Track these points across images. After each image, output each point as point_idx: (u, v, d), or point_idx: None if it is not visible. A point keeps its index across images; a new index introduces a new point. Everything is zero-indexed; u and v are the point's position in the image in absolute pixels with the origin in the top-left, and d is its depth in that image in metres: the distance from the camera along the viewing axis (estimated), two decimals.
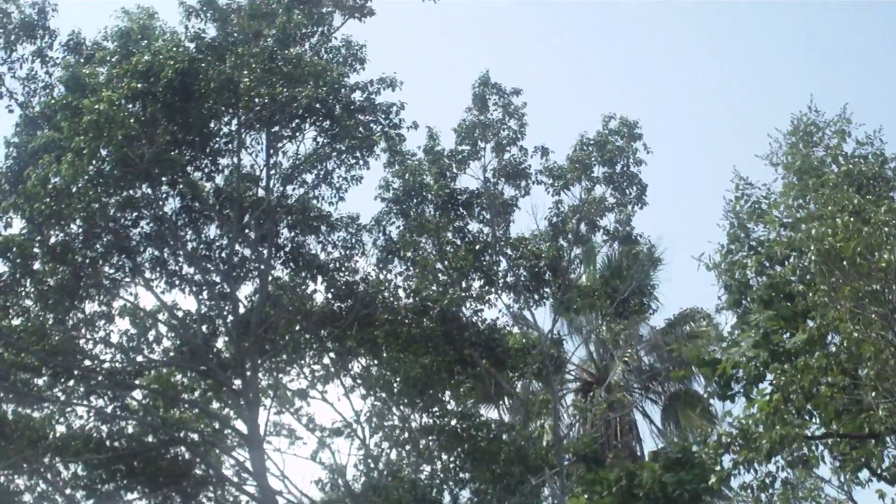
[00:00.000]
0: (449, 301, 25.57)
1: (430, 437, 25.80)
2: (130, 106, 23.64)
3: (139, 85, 23.45)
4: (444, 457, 25.02)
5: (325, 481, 25.54)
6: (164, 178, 24.99)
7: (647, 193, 26.19)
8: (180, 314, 26.81)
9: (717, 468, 17.79)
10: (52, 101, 24.33)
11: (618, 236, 26.45)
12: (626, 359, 31.52)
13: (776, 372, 15.95)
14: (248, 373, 25.50)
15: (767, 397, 17.35)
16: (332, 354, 27.44)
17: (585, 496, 20.10)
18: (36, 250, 24.67)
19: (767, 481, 16.38)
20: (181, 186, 25.77)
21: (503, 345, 26.15)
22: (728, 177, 19.37)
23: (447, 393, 26.87)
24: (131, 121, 23.20)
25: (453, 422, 24.84)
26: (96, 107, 22.81)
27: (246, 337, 25.39)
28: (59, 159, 23.05)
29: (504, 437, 24.53)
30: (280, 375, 28.26)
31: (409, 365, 24.09)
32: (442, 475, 24.58)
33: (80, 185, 23.06)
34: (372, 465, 24.23)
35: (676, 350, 28.09)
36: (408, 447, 25.50)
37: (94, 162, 23.22)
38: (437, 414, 25.57)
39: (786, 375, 15.62)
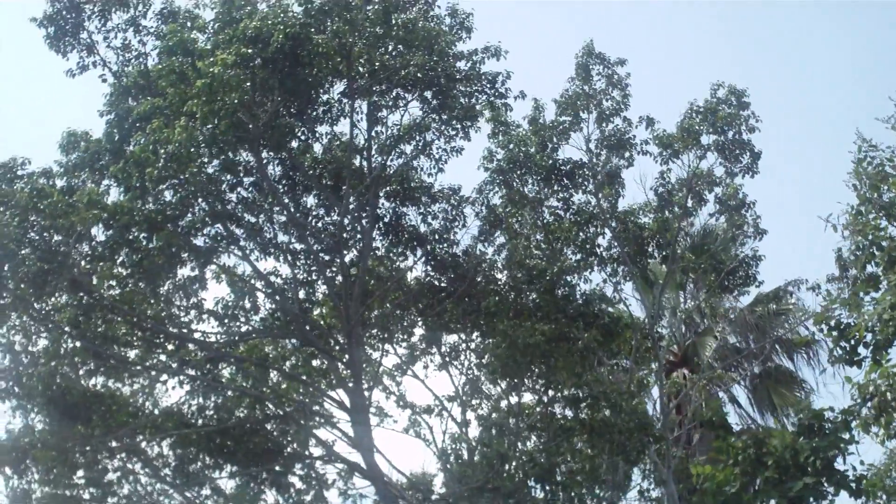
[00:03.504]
0: (558, 270, 25.06)
1: (538, 410, 25.36)
2: (241, 71, 23.03)
3: (249, 50, 22.85)
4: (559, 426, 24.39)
5: (448, 451, 24.95)
6: (273, 145, 24.39)
7: (760, 162, 25.66)
8: (277, 281, 26.35)
9: (847, 434, 17.57)
10: (158, 67, 23.71)
11: (731, 205, 25.89)
12: (718, 334, 30.91)
13: None
14: (353, 344, 24.98)
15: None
16: (430, 328, 26.89)
17: (708, 465, 19.60)
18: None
19: None
20: (284, 154, 25.31)
21: (611, 317, 25.67)
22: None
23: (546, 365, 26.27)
24: (246, 84, 22.64)
25: (572, 390, 24.15)
26: (210, 70, 22.26)
27: (350, 307, 24.86)
28: (167, 125, 22.54)
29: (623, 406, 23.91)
30: (374, 350, 27.76)
31: (528, 333, 23.44)
32: (555, 447, 23.94)
33: (191, 150, 22.46)
34: (494, 433, 23.56)
35: (802, 314, 27.18)
36: (517, 420, 24.85)
37: (206, 127, 22.63)
38: (552, 384, 24.96)
39: None
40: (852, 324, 18.06)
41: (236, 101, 22.38)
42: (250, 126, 23.17)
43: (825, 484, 17.93)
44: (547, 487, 23.62)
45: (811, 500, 17.81)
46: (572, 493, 23.85)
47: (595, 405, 23.71)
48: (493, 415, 24.94)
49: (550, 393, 25.43)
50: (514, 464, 22.92)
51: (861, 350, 18.18)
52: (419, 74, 24.25)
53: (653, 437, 23.82)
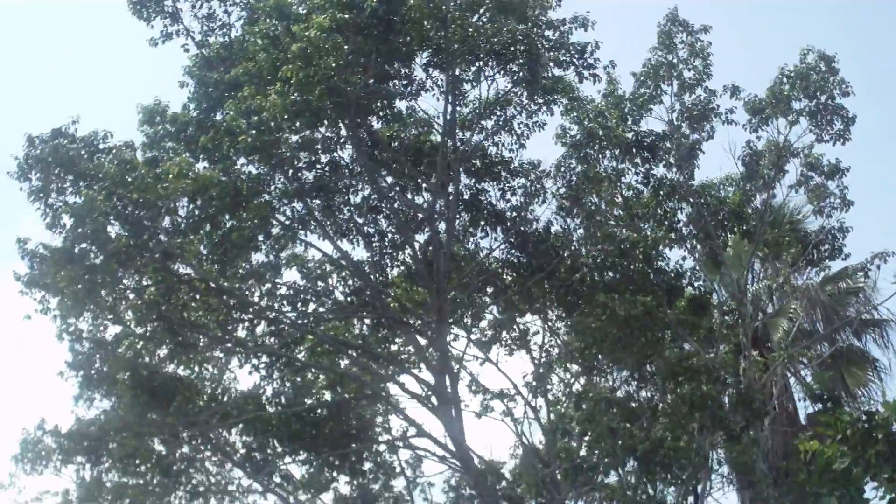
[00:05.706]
0: (653, 242, 24.49)
1: (632, 385, 24.77)
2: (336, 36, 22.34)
3: (345, 15, 22.27)
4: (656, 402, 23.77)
5: (555, 431, 24.19)
6: (366, 113, 23.70)
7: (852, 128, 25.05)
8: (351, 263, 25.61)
9: None
10: (253, 29, 23.01)
11: (824, 172, 25.30)
12: (792, 313, 30.15)
13: None
14: (443, 321, 24.28)
15: None
16: (511, 307, 26.19)
17: (814, 441, 18.87)
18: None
19: None
20: (363, 132, 24.67)
21: (701, 291, 25.14)
22: None
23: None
24: (345, 47, 21.99)
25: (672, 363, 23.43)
26: (306, 34, 21.60)
27: (440, 283, 24.16)
28: (260, 91, 21.82)
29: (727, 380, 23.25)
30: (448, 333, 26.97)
31: (630, 304, 22.74)
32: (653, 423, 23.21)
33: (286, 117, 21.73)
34: (603, 408, 22.67)
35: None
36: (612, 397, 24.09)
37: (299, 94, 21.91)
38: (649, 358, 24.25)
39: None
40: None
41: (333, 64, 21.73)
42: (346, 93, 22.44)
43: None
44: (645, 466, 22.80)
45: None
46: (670, 473, 23.05)
47: (694, 378, 23.01)
48: (590, 393, 24.00)
49: (644, 368, 24.71)
50: (618, 441, 22.08)
51: None
52: (508, 43, 23.75)
53: (754, 411, 23.17)
